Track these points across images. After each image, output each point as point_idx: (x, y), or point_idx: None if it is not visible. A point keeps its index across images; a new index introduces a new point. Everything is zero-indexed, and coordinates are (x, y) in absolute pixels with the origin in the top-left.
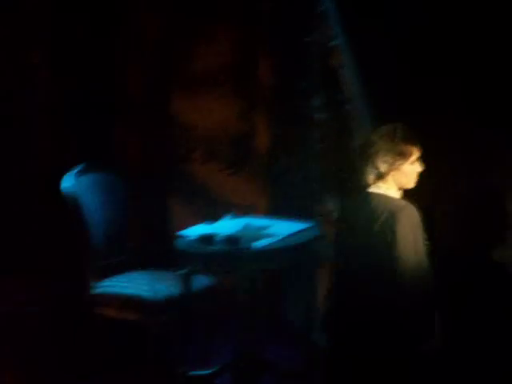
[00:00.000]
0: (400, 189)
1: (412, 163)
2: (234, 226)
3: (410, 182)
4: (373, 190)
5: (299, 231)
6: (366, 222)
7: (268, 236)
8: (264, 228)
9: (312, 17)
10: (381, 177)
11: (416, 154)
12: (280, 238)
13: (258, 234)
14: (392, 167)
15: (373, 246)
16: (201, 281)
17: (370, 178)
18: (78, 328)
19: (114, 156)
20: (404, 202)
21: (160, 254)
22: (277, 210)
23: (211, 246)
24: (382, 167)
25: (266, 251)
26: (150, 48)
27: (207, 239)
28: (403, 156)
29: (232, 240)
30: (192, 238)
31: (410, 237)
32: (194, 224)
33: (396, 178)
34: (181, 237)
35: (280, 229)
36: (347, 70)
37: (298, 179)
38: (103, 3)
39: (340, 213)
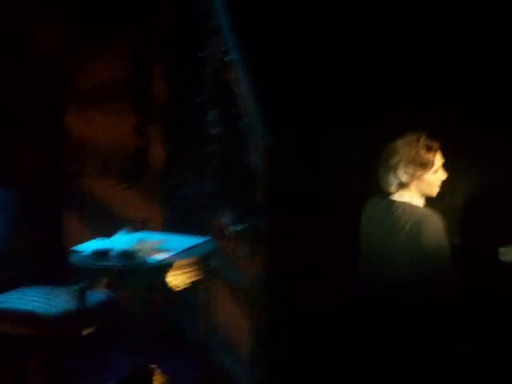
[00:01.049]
0: (423, 196)
1: (434, 172)
2: (129, 241)
3: (433, 191)
4: (396, 198)
5: (195, 245)
6: (390, 231)
7: (164, 251)
8: (159, 243)
9: (206, 31)
10: (403, 186)
11: (438, 163)
12: (176, 252)
13: (154, 248)
14: (414, 177)
15: (398, 256)
16: (97, 295)
17: (393, 186)
18: None
19: (10, 170)
20: (429, 211)
21: (55, 269)
22: (171, 225)
23: (106, 262)
24: (404, 177)
25: (161, 266)
26: (44, 61)
27: (102, 254)
28: (425, 166)
29: (127, 255)
30: (86, 253)
31: (435, 246)
32: (88, 239)
33: (419, 187)
34: (75, 252)
35: (175, 243)
36: (241, 85)
37: (193, 194)
38: None
39: (363, 220)
